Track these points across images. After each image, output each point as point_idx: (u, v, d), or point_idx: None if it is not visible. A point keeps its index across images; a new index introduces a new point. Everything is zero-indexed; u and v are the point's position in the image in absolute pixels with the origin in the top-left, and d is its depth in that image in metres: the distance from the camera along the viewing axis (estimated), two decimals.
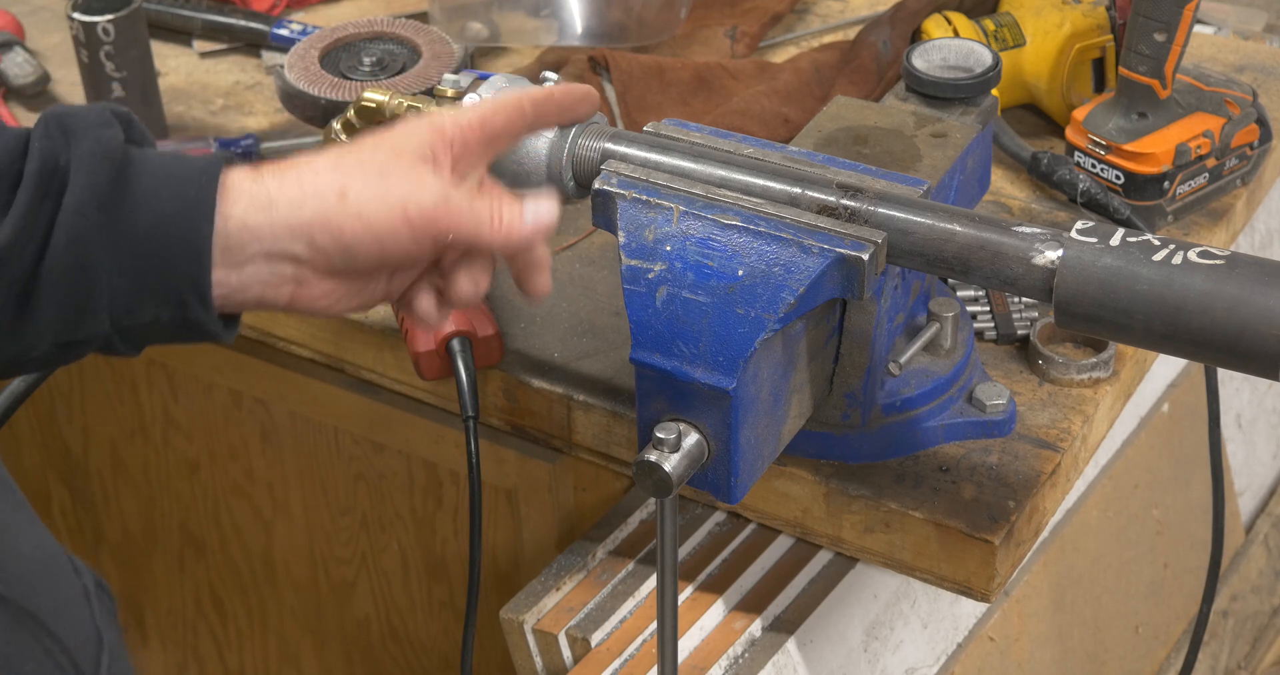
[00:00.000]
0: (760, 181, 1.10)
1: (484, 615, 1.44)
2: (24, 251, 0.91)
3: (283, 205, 0.96)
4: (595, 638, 1.30)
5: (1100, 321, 1.01)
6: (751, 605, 1.33)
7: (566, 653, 1.32)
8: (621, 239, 1.09)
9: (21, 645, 0.88)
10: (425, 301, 1.05)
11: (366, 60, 1.46)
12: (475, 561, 1.29)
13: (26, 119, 1.64)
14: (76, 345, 0.96)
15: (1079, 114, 1.46)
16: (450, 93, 1.21)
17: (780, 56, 1.70)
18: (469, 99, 1.17)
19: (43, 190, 0.92)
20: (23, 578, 0.90)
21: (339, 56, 1.47)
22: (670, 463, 1.03)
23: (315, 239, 0.97)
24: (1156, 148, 1.43)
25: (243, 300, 0.98)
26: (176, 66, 1.72)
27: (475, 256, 1.04)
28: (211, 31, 1.73)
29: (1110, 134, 1.44)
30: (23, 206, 0.91)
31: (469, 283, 1.04)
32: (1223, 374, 1.62)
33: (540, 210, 1.02)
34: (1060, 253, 1.02)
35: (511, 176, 1.17)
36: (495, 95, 1.13)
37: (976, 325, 1.34)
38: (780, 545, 1.37)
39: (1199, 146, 1.44)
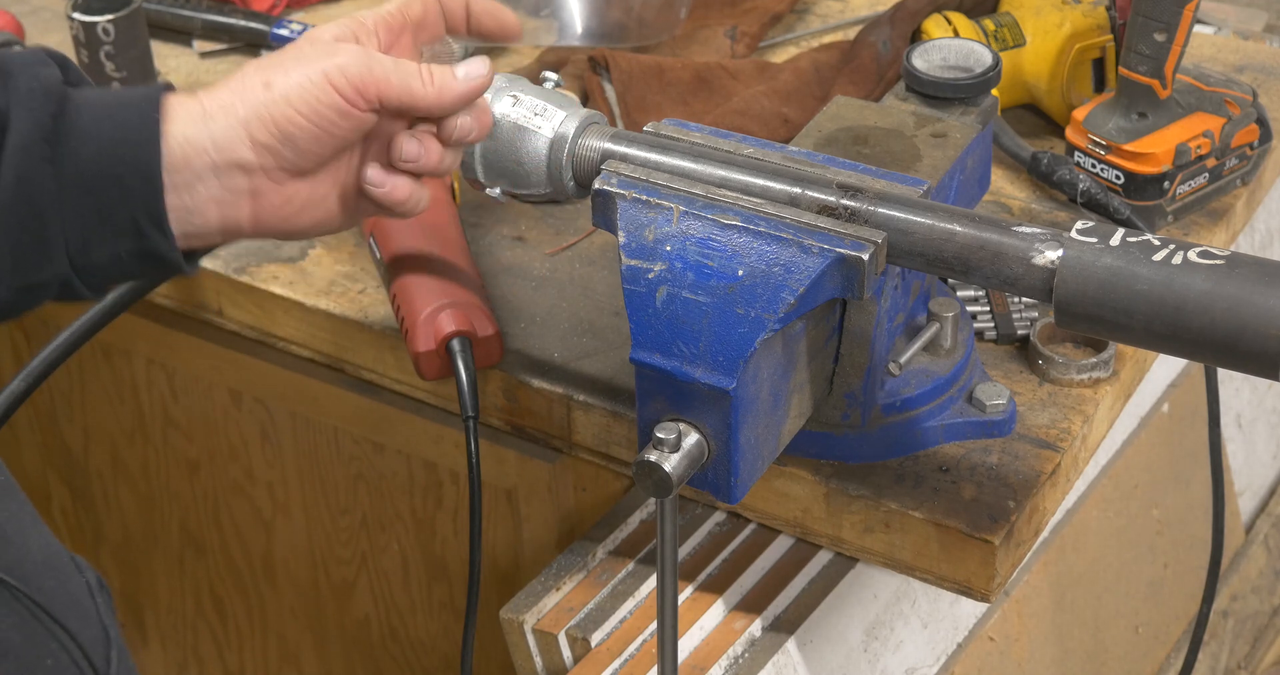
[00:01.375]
0: (760, 181, 1.10)
1: (484, 615, 1.44)
2: None
3: (217, 113, 0.97)
4: (595, 638, 1.30)
5: (1100, 321, 1.01)
6: (751, 605, 1.33)
7: (566, 653, 1.32)
8: (621, 239, 1.09)
9: (39, 639, 0.88)
10: (373, 170, 1.06)
11: None
12: (475, 561, 1.29)
13: None
14: (36, 288, 0.95)
15: (1079, 114, 1.46)
16: None
17: (780, 56, 1.70)
18: None
19: None
20: (33, 576, 0.90)
21: None
22: (670, 463, 1.03)
23: (255, 136, 0.98)
24: (1156, 148, 1.43)
25: (203, 225, 0.99)
26: (176, 66, 1.72)
27: (417, 123, 1.05)
28: (211, 31, 1.73)
29: (1110, 134, 1.44)
30: None
31: (413, 143, 1.05)
32: (1223, 374, 1.62)
33: (471, 68, 1.05)
34: (1060, 253, 1.02)
35: (512, 176, 1.17)
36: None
37: (976, 325, 1.34)
38: (780, 545, 1.37)
39: (1199, 146, 1.44)
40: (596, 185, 1.12)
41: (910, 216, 1.06)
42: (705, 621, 1.31)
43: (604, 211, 1.12)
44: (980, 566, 1.19)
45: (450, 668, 1.64)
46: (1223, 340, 0.98)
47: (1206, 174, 1.46)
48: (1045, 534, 1.55)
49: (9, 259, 0.94)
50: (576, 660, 1.31)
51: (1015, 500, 1.21)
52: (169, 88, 0.99)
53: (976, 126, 1.24)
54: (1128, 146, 1.43)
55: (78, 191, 0.94)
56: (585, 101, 1.59)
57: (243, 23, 1.72)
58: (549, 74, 1.21)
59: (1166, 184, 1.44)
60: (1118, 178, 1.44)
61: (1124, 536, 1.72)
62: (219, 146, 0.97)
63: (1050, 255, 1.02)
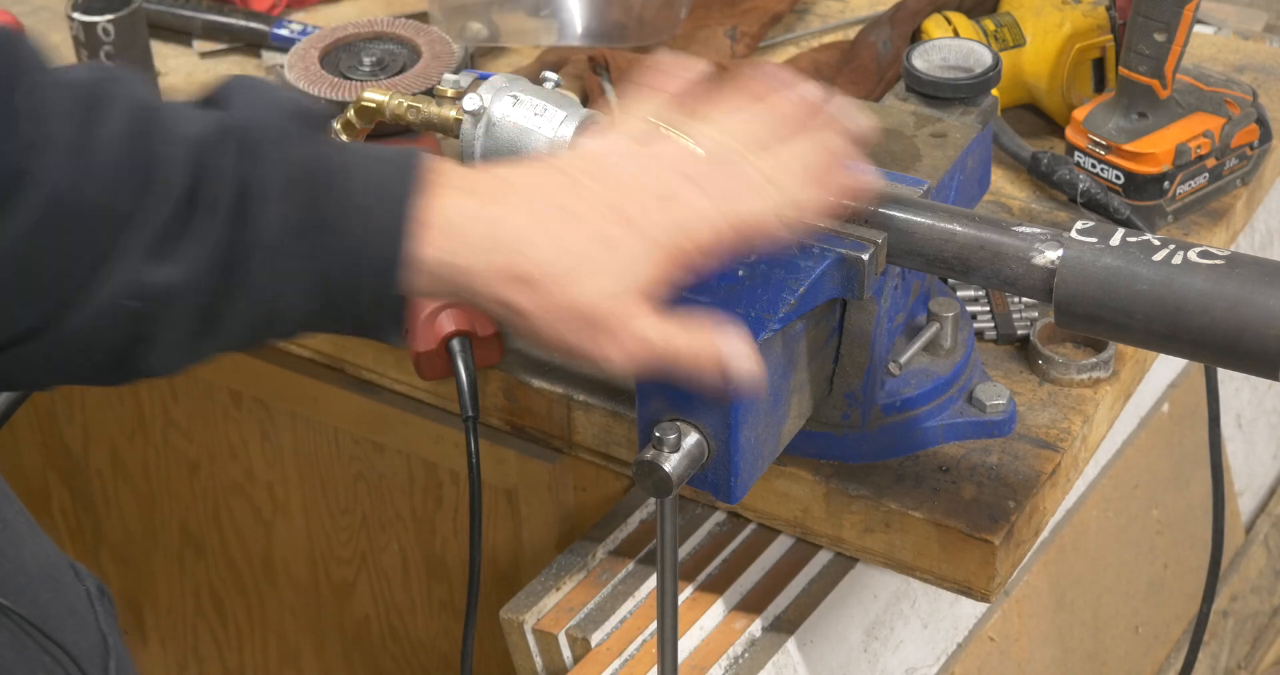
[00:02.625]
0: None
1: (484, 615, 1.44)
2: (210, 281, 0.85)
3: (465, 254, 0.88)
4: (595, 638, 1.30)
5: (1100, 321, 1.01)
6: (751, 605, 1.33)
7: (566, 653, 1.32)
8: None
9: (28, 656, 0.87)
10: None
11: (366, 60, 1.46)
12: (475, 561, 1.29)
13: None
14: (249, 348, 0.91)
15: (1079, 114, 1.46)
16: (450, 93, 1.21)
17: (780, 56, 1.70)
18: (469, 100, 1.17)
19: (229, 223, 0.85)
20: (26, 588, 0.89)
21: (339, 56, 1.47)
22: (670, 463, 1.03)
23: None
24: (1156, 148, 1.43)
25: None
26: (176, 66, 1.72)
27: None
28: (211, 31, 1.73)
29: (1110, 134, 1.44)
30: (201, 237, 0.84)
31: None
32: (1223, 374, 1.61)
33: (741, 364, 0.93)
34: (1060, 253, 1.02)
35: None
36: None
37: (976, 325, 1.34)
38: (780, 545, 1.37)
39: (1199, 146, 1.44)
40: None
41: (910, 216, 1.06)
42: (705, 621, 1.31)
43: None
44: (980, 566, 1.19)
45: (450, 668, 1.64)
46: (1223, 340, 0.98)
47: (1206, 174, 1.46)
48: (1045, 534, 1.54)
49: (239, 337, 0.88)
50: (576, 660, 1.31)
51: (1015, 500, 1.21)
52: (426, 164, 0.89)
53: (976, 126, 1.24)
54: (1128, 146, 1.43)
55: (317, 286, 0.87)
56: (585, 101, 1.59)
57: (243, 23, 1.72)
58: (549, 74, 1.21)
59: (1166, 184, 1.44)
60: (1118, 178, 1.44)
61: (1124, 536, 1.72)
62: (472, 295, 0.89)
63: (1050, 255, 1.02)
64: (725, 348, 0.91)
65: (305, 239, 0.86)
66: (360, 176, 0.87)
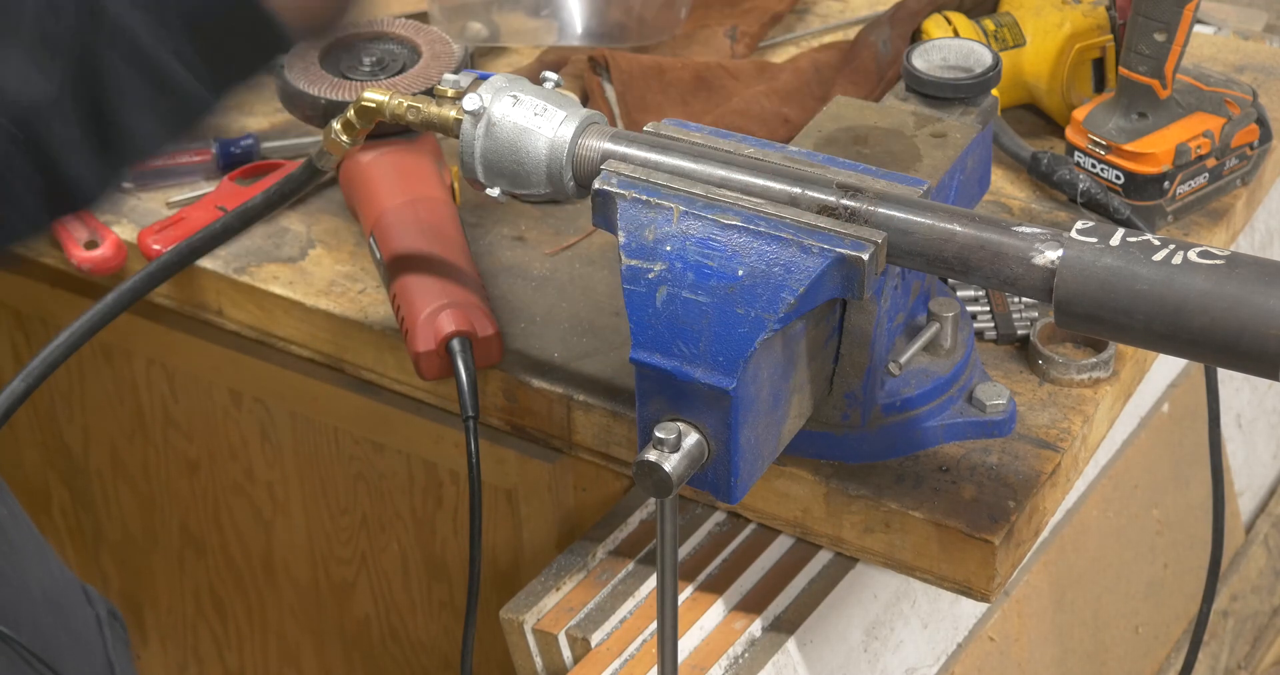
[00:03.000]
0: (760, 181, 1.10)
1: (484, 615, 1.44)
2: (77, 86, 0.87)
3: None
4: (595, 638, 1.30)
5: (1100, 321, 1.01)
6: (751, 605, 1.33)
7: (566, 653, 1.32)
8: (621, 239, 1.09)
9: None
10: None
11: (366, 60, 1.46)
12: (475, 561, 1.29)
13: None
14: (190, 120, 0.94)
15: (1079, 114, 1.46)
16: (450, 93, 1.20)
17: (780, 56, 1.70)
18: (469, 100, 1.17)
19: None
20: (31, 617, 0.88)
21: (339, 56, 1.47)
22: (670, 463, 1.03)
23: None
24: (1156, 148, 1.43)
25: None
26: None
27: None
28: None
29: (1110, 134, 1.44)
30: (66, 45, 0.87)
31: None
32: (1223, 374, 1.62)
33: None
34: (1060, 253, 1.02)
35: (511, 176, 1.17)
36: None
37: (976, 325, 1.34)
38: (780, 545, 1.37)
39: (1199, 146, 1.44)
40: (596, 185, 1.12)
41: (910, 216, 1.06)
42: (705, 621, 1.31)
43: (604, 211, 1.12)
44: (980, 566, 1.19)
45: (450, 668, 1.64)
46: (1223, 340, 0.98)
47: (1206, 174, 1.46)
48: (1045, 534, 1.55)
49: (145, 116, 0.91)
50: (576, 660, 1.31)
51: (1015, 500, 1.21)
52: None
53: (976, 126, 1.24)
54: (1128, 146, 1.43)
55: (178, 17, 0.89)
56: (585, 101, 1.59)
57: None
58: (549, 74, 1.21)
59: (1166, 184, 1.44)
60: (1118, 178, 1.44)
61: (1124, 536, 1.72)
62: None
63: (1050, 255, 1.02)
64: None
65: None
66: None
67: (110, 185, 0.92)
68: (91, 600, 0.95)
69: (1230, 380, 1.90)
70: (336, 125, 1.25)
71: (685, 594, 1.33)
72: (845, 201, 1.08)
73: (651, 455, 1.03)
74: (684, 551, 1.36)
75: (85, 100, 0.88)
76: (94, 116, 0.88)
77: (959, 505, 1.20)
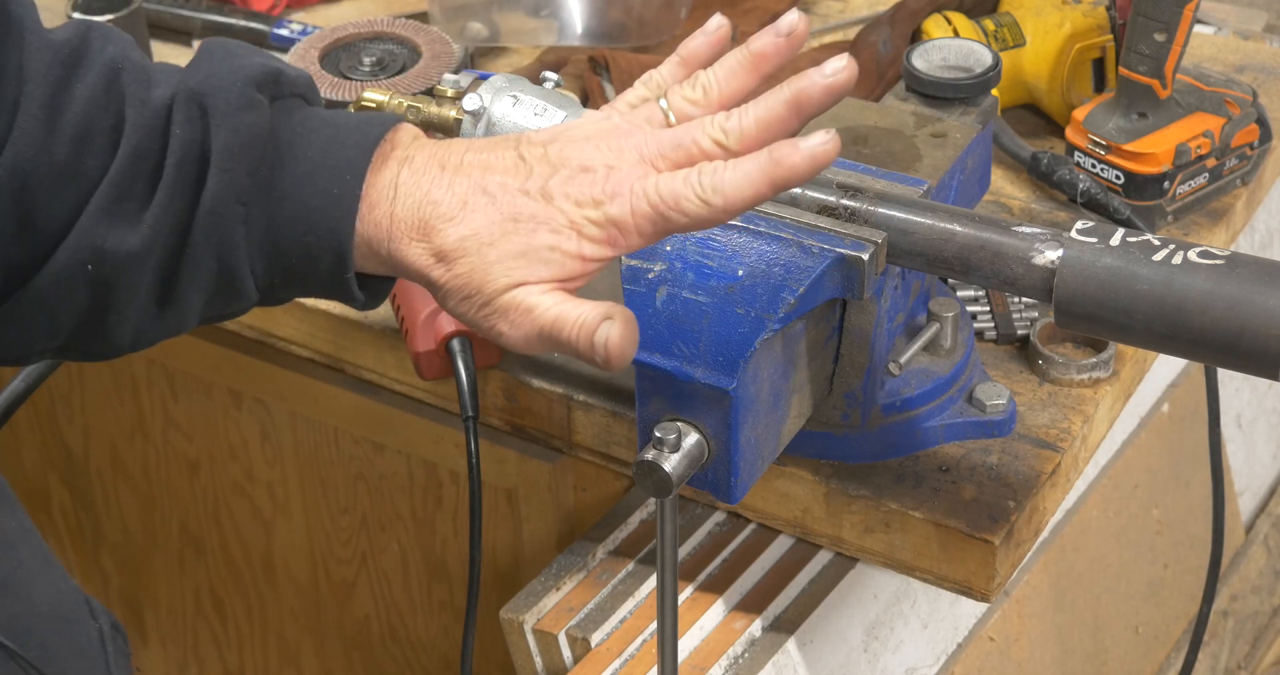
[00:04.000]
0: None
1: (484, 615, 1.44)
2: (165, 248, 0.90)
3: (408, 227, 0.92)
4: (595, 638, 1.30)
5: (1100, 321, 1.01)
6: (751, 605, 1.33)
7: (566, 653, 1.32)
8: None
9: None
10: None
11: (366, 60, 1.46)
12: (475, 561, 1.29)
13: None
14: (223, 317, 0.96)
15: (1079, 114, 1.46)
16: (450, 93, 1.20)
17: None
18: (469, 100, 1.17)
19: (181, 186, 0.89)
20: (34, 629, 0.87)
21: (339, 56, 1.47)
22: (670, 463, 1.03)
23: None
24: (1156, 148, 1.43)
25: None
26: None
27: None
28: (211, 31, 1.73)
29: (1110, 134, 1.44)
30: (161, 205, 0.89)
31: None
32: (1223, 374, 1.62)
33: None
34: (1060, 253, 1.02)
35: None
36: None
37: (976, 325, 1.34)
38: (780, 545, 1.37)
39: (1199, 146, 1.44)
40: None
41: (910, 216, 1.06)
42: (705, 621, 1.31)
43: None
44: (980, 566, 1.19)
45: (450, 668, 1.64)
46: (1223, 340, 0.98)
47: (1206, 174, 1.46)
48: (1045, 534, 1.54)
49: (199, 303, 0.93)
50: (576, 660, 1.31)
51: (1015, 500, 1.21)
52: (391, 125, 0.93)
53: (976, 126, 1.24)
54: (1128, 146, 1.43)
55: (269, 250, 0.92)
56: (585, 101, 1.59)
57: (243, 23, 1.72)
58: (549, 74, 1.20)
59: (1166, 184, 1.44)
60: (1118, 178, 1.44)
61: (1124, 536, 1.72)
62: (397, 266, 0.93)
63: (1050, 255, 1.02)
64: (605, 331, 0.91)
65: (250, 206, 0.90)
66: (313, 145, 0.91)
67: (136, 347, 0.95)
68: (95, 613, 0.95)
69: (1230, 380, 1.90)
70: None
71: (685, 594, 1.33)
72: (845, 201, 1.08)
73: (651, 455, 1.03)
74: (684, 551, 1.36)
75: (159, 266, 0.91)
76: (158, 282, 0.91)
77: (959, 505, 1.20)
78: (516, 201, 0.90)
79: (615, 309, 0.91)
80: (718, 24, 0.99)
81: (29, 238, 0.89)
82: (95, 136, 0.89)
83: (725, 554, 1.36)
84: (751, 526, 1.37)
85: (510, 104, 1.16)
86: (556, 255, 0.91)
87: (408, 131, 0.95)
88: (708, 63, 0.97)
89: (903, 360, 1.19)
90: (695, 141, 0.90)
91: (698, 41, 0.98)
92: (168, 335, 0.95)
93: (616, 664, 1.29)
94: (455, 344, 1.28)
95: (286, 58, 1.46)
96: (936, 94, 1.25)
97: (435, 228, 0.91)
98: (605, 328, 0.90)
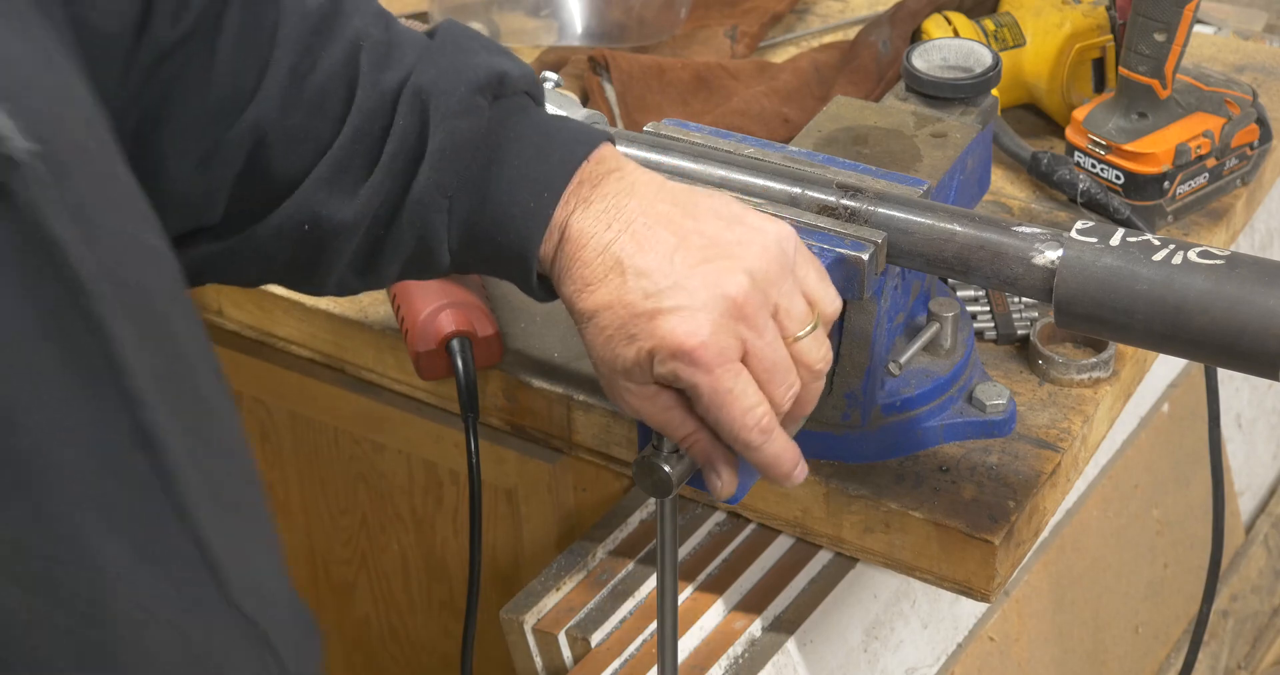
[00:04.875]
0: (760, 181, 1.10)
1: (484, 615, 1.44)
2: (373, 223, 0.97)
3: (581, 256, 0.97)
4: (595, 638, 1.30)
5: (1100, 321, 1.01)
6: (751, 605, 1.33)
7: (566, 653, 1.32)
8: None
9: None
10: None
11: None
12: (475, 561, 1.29)
13: None
14: (422, 278, 1.05)
15: (1079, 114, 1.46)
16: None
17: (780, 56, 1.70)
18: None
19: (395, 173, 0.96)
20: (270, 606, 0.85)
21: None
22: (670, 463, 1.03)
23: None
24: (1156, 148, 1.43)
25: None
26: None
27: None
28: None
29: (1110, 134, 1.44)
30: (374, 186, 0.95)
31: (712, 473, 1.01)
32: (1223, 374, 1.62)
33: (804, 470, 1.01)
34: (1060, 253, 1.02)
35: None
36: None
37: (976, 325, 1.34)
38: (780, 545, 1.37)
39: (1199, 146, 1.44)
40: None
41: (910, 216, 1.06)
42: (705, 621, 1.31)
43: None
44: (980, 566, 1.19)
45: (450, 668, 1.64)
46: (1223, 340, 0.98)
47: (1206, 174, 1.46)
48: (1045, 534, 1.54)
49: (397, 271, 1.00)
50: (576, 660, 1.31)
51: (1015, 500, 1.21)
52: (599, 143, 0.98)
53: (976, 126, 1.24)
54: (1128, 146, 1.43)
55: (466, 238, 0.98)
56: (585, 101, 1.59)
57: None
58: (549, 74, 1.21)
59: (1166, 184, 1.44)
60: (1118, 178, 1.44)
61: (1124, 536, 1.72)
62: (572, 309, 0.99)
63: (1050, 255, 1.02)
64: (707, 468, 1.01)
65: (454, 200, 0.97)
66: (521, 154, 0.97)
67: (339, 294, 1.04)
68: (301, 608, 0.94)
69: (1230, 380, 1.90)
70: None
71: (685, 594, 1.33)
72: (845, 201, 1.08)
73: (651, 455, 1.03)
74: (684, 551, 1.36)
75: (366, 237, 0.98)
76: (364, 248, 0.98)
77: (959, 505, 1.20)
78: (628, 309, 0.96)
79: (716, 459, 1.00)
80: None
81: (260, 188, 0.96)
82: (329, 106, 0.95)
83: (725, 554, 1.36)
84: (751, 526, 1.37)
85: None
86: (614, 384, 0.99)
87: (609, 152, 0.99)
88: None
89: (903, 360, 1.19)
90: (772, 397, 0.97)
91: None
92: (367, 289, 1.03)
93: (616, 664, 1.28)
94: (455, 344, 1.28)
95: None
96: (936, 94, 1.25)
97: (578, 286, 0.97)
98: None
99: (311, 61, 0.95)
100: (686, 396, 0.97)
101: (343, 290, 1.02)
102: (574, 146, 0.98)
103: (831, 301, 1.00)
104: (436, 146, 0.95)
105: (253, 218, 0.97)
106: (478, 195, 0.97)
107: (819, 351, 0.99)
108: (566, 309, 0.99)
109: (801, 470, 1.00)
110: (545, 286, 1.01)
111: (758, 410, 0.96)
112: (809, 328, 0.97)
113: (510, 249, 0.98)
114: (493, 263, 1.00)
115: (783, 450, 0.99)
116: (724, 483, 1.00)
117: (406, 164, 0.96)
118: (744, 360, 0.95)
